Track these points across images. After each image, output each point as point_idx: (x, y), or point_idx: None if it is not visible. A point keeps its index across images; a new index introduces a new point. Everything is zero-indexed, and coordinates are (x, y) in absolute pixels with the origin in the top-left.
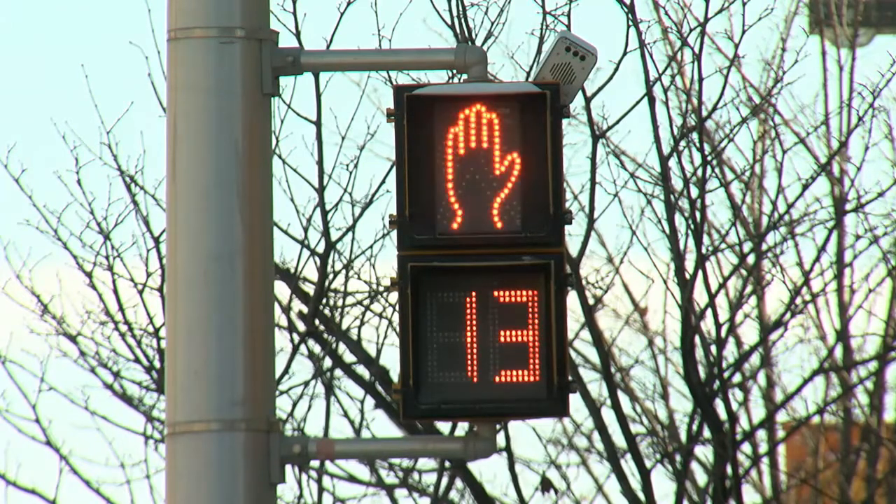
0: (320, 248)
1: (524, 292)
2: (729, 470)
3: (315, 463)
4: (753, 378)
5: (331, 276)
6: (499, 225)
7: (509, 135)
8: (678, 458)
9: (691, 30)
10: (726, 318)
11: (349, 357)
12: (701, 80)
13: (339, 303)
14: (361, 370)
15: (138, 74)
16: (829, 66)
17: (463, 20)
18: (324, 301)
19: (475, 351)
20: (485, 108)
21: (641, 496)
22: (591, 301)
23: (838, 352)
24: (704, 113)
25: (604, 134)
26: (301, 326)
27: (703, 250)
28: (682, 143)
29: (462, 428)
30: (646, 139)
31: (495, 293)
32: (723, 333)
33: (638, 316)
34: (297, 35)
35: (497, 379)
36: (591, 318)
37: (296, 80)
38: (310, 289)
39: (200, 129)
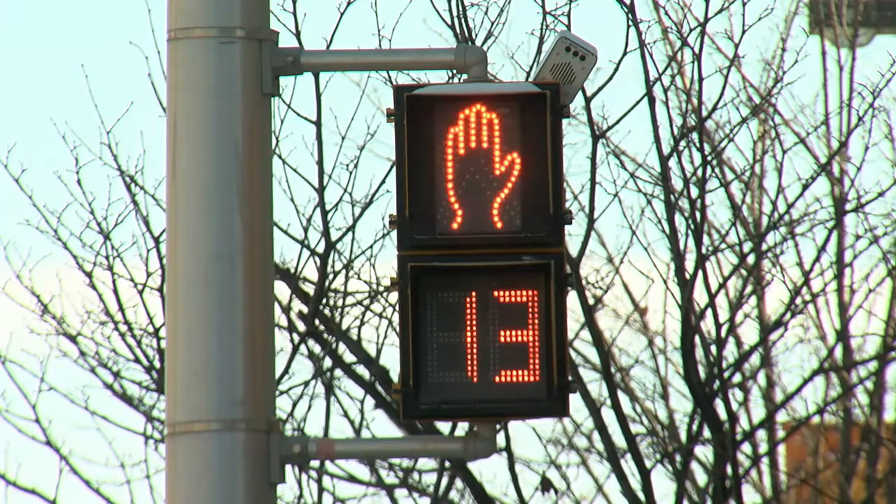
0: (320, 248)
1: (524, 292)
2: (729, 470)
3: (315, 463)
4: (753, 378)
5: (331, 276)
6: (499, 225)
7: (509, 135)
8: (678, 458)
9: (691, 30)
10: (726, 318)
11: (349, 357)
12: (701, 80)
13: (339, 303)
14: (361, 370)
15: (138, 74)
16: (829, 66)
17: (463, 20)
18: (324, 301)
19: (475, 351)
20: (485, 108)
21: (641, 496)
22: (591, 301)
23: (838, 352)
24: (704, 113)
25: (604, 134)
26: (301, 326)
27: (703, 250)
28: (682, 143)
29: (462, 428)
30: (646, 139)
31: (495, 293)
32: (723, 333)
33: (638, 316)
34: (297, 35)
35: (497, 379)
36: (591, 318)
37: (296, 80)
38: (310, 289)
39: (200, 129)
